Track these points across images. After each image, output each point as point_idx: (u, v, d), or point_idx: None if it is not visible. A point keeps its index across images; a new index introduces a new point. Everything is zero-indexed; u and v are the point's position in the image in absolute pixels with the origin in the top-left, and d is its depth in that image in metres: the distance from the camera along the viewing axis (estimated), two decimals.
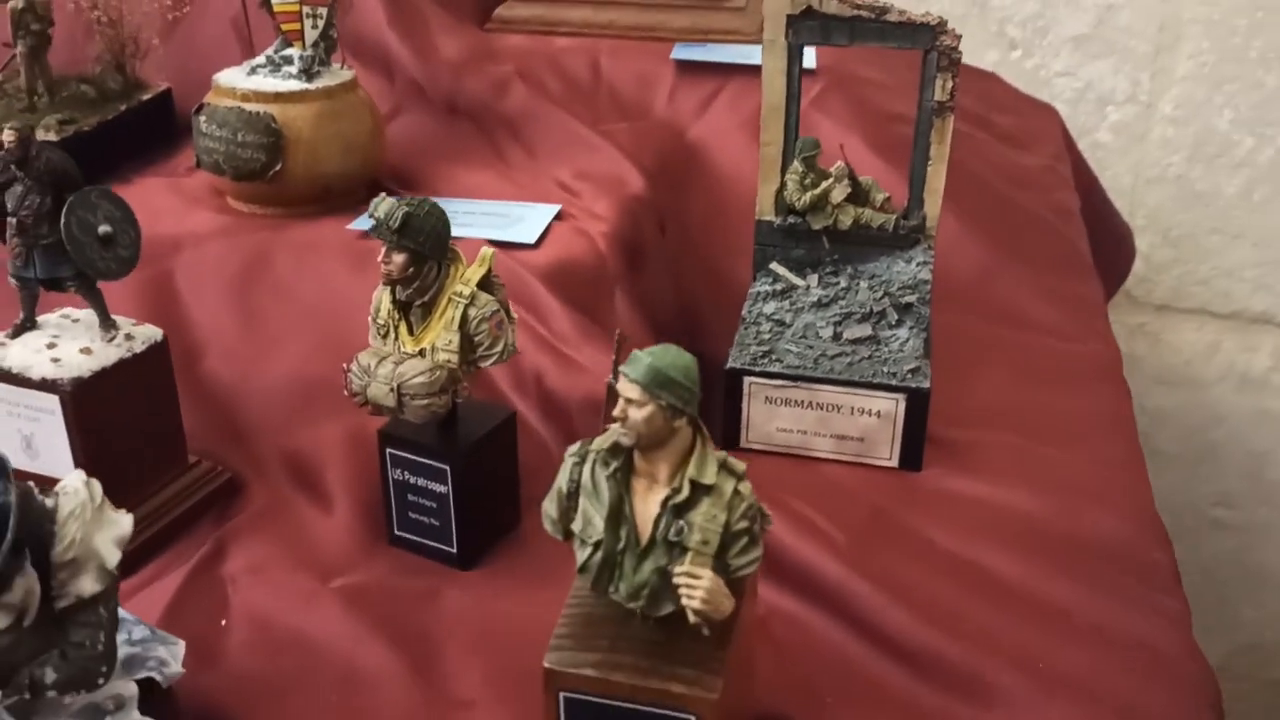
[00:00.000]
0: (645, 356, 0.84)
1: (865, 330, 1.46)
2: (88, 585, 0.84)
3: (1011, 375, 1.61)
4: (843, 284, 1.50)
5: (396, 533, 1.26)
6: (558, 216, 1.64)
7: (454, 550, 1.23)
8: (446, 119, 1.90)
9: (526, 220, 1.62)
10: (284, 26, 1.60)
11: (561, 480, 0.89)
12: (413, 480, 1.22)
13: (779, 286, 1.53)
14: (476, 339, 1.15)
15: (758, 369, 1.43)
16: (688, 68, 2.09)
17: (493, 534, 1.27)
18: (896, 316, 1.46)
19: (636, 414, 0.84)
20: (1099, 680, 1.07)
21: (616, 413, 0.85)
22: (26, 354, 1.20)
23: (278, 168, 1.59)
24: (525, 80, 1.94)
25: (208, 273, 1.56)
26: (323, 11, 1.61)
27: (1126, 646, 1.11)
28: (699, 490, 0.86)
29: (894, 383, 1.39)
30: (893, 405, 1.39)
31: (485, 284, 1.17)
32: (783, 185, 1.50)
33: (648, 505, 0.87)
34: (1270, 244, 2.81)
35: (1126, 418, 1.56)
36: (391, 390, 1.14)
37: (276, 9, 1.60)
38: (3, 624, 0.82)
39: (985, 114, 2.34)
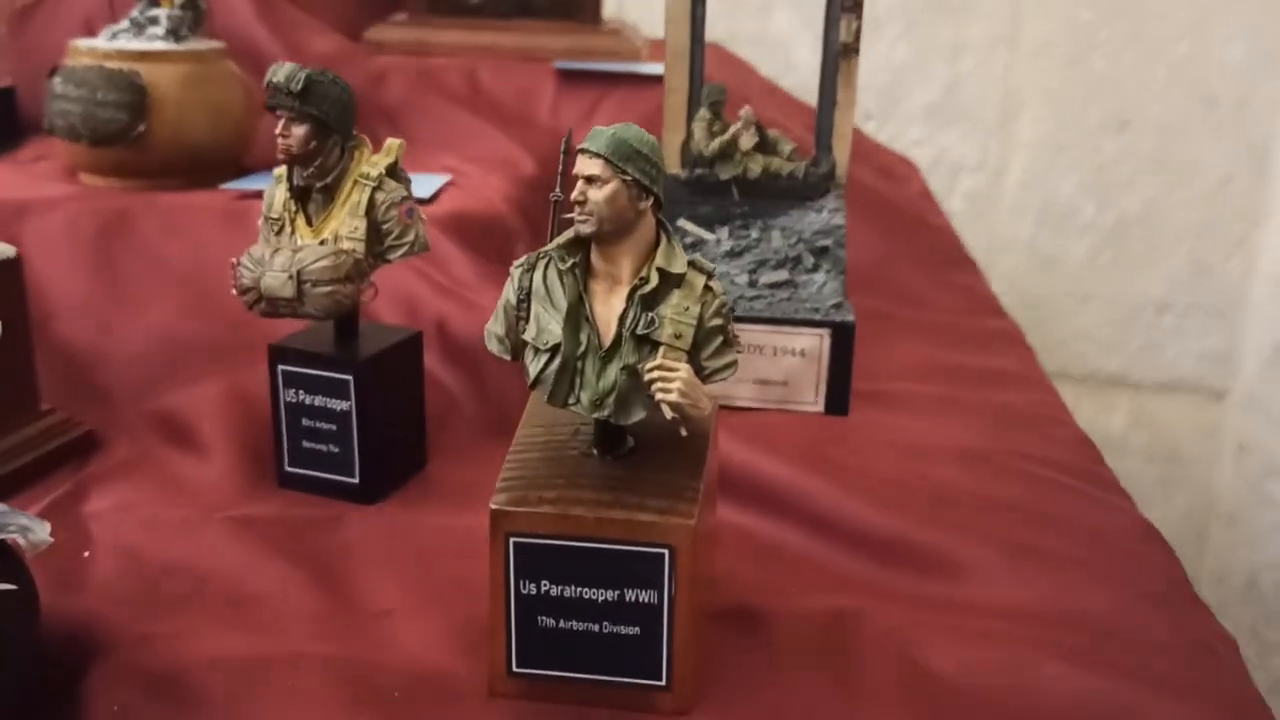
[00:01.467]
0: (606, 130, 0.76)
1: (782, 275, 1.41)
2: None
3: (926, 343, 1.58)
4: (754, 235, 1.45)
5: (287, 469, 1.11)
6: (450, 183, 1.55)
7: (355, 481, 1.09)
8: None
9: (417, 184, 1.52)
10: None
11: (509, 292, 0.79)
12: (308, 400, 1.09)
13: (688, 242, 1.46)
14: (385, 226, 1.05)
15: None
16: (569, 80, 2.05)
17: (398, 470, 1.14)
18: (813, 260, 1.41)
19: (598, 193, 0.75)
20: (1052, 547, 1.01)
21: (575, 195, 0.76)
22: None
23: (141, 128, 1.46)
24: (403, 82, 1.87)
25: (60, 238, 1.41)
26: None
27: (1066, 520, 1.08)
28: (668, 281, 0.76)
29: (817, 318, 1.32)
30: (817, 341, 1.32)
31: (392, 177, 1.07)
32: (689, 135, 1.45)
33: (609, 307, 0.77)
34: (1118, 305, 2.89)
35: (1037, 372, 1.54)
36: (290, 278, 1.01)
37: None
38: None
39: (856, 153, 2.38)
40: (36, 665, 0.79)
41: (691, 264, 0.78)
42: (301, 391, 1.09)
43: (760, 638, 0.89)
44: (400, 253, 1.06)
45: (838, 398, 1.33)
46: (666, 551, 0.77)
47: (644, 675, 0.80)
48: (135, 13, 1.52)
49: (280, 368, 1.09)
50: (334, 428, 1.09)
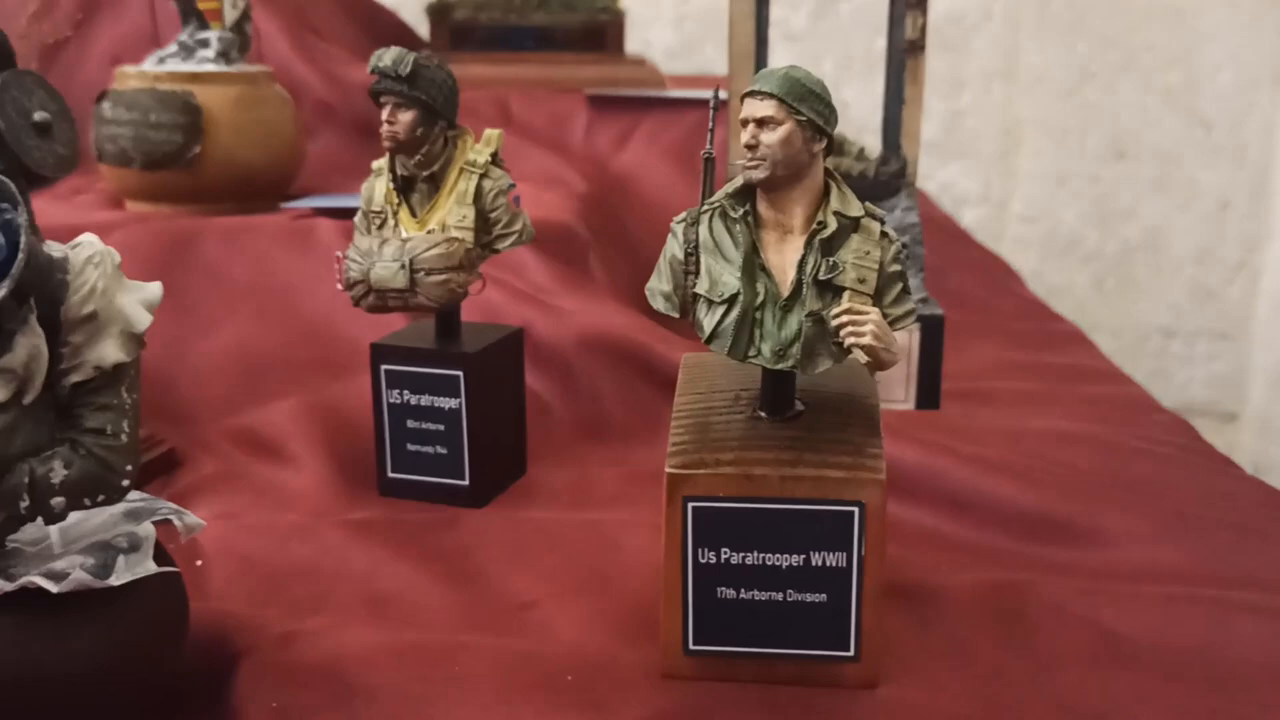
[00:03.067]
0: (776, 70, 0.73)
1: None
2: (110, 352, 0.64)
3: (996, 344, 1.57)
4: None
5: (390, 475, 1.07)
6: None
7: (465, 483, 1.05)
8: (360, 139, 1.77)
9: None
10: (201, 5, 1.47)
11: (672, 248, 0.76)
12: (414, 400, 1.04)
13: None
14: (493, 215, 1.01)
15: None
16: (600, 107, 2.04)
17: (503, 473, 1.10)
18: None
19: (771, 136, 0.72)
20: (1198, 513, 0.99)
21: (745, 139, 0.73)
22: None
23: (196, 150, 1.43)
24: None
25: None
26: None
27: (1199, 489, 1.06)
28: (846, 226, 0.73)
29: None
30: (906, 336, 1.29)
31: (494, 166, 1.04)
32: None
33: (783, 255, 0.74)
34: (1124, 332, 2.89)
35: (1113, 366, 1.53)
36: (403, 268, 0.98)
37: None
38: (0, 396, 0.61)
39: None
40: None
41: (865, 209, 0.75)
42: (406, 391, 1.04)
43: (928, 612, 0.85)
44: (509, 242, 1.02)
45: (928, 393, 1.30)
46: (856, 509, 0.73)
47: (830, 646, 0.76)
48: (184, 36, 1.50)
49: (383, 367, 1.05)
50: (441, 428, 1.04)
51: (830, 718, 0.74)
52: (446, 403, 1.04)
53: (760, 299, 0.73)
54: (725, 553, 0.75)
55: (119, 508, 0.72)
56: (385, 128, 0.99)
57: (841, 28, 3.12)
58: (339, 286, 1.01)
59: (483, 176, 1.01)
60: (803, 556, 0.74)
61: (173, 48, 1.50)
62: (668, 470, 0.74)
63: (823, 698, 0.75)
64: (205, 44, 1.48)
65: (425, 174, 1.01)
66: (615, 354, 1.23)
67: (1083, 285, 3.01)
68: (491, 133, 1.05)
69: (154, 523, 0.70)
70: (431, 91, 0.99)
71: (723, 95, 0.89)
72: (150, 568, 0.68)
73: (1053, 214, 2.98)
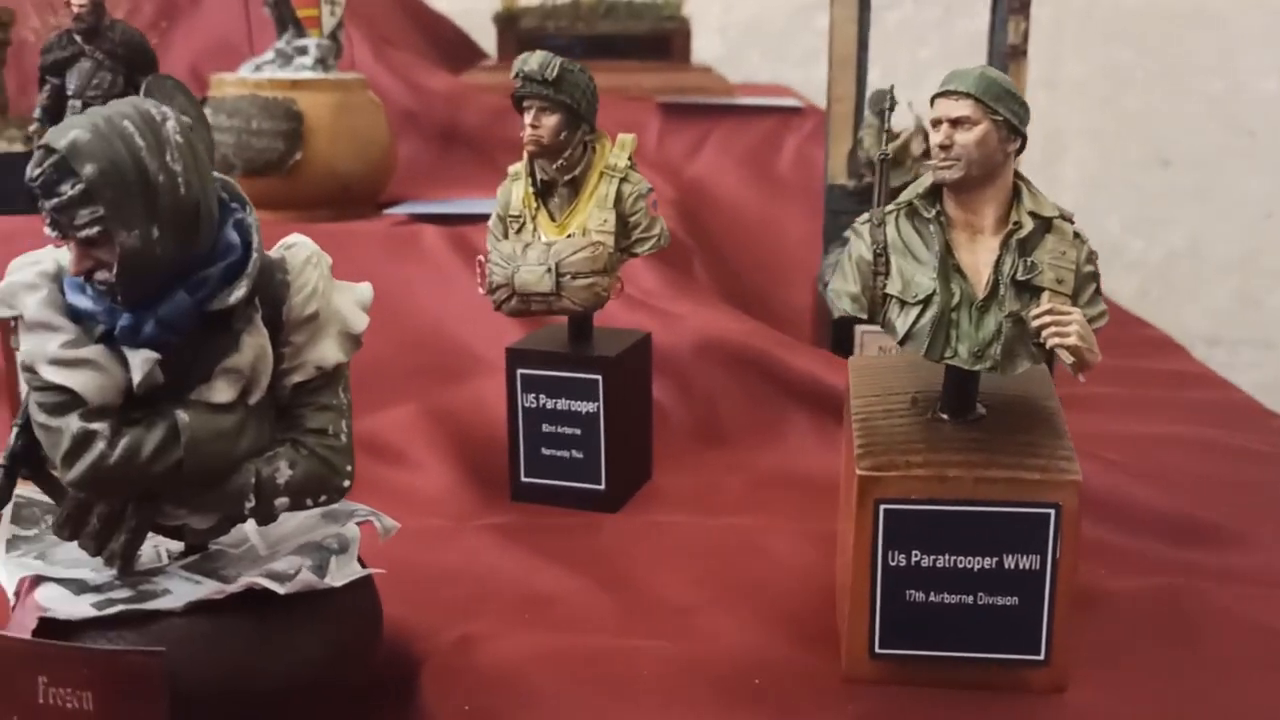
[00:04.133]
0: (970, 70, 0.73)
1: None
2: (330, 352, 0.64)
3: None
4: None
5: (524, 479, 1.06)
6: None
7: (601, 487, 1.04)
8: (440, 146, 1.78)
9: None
10: (301, 13, 1.48)
11: (858, 249, 0.75)
12: (550, 404, 1.04)
13: None
14: (633, 219, 1.01)
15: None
16: (671, 114, 2.04)
17: (632, 479, 1.09)
18: None
19: (966, 136, 0.72)
20: None
21: (939, 139, 0.73)
22: None
23: (298, 156, 1.43)
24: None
25: None
26: None
27: None
28: (1040, 226, 0.73)
29: None
30: None
31: None
32: (857, 143, 1.43)
33: (975, 256, 0.74)
34: None
35: (1210, 372, 1.53)
36: (548, 271, 0.98)
37: None
38: (226, 396, 0.61)
39: None
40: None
41: (1058, 210, 0.75)
42: (542, 395, 1.04)
43: (1095, 617, 0.85)
44: (647, 246, 1.02)
45: None
46: (1052, 511, 0.73)
47: (1020, 649, 0.75)
48: (281, 43, 1.50)
49: (519, 371, 1.04)
50: (578, 432, 1.04)
51: None
52: (584, 406, 1.03)
53: (956, 300, 0.73)
54: (916, 555, 0.74)
55: (316, 510, 0.72)
56: (529, 132, 0.99)
57: (886, 37, 3.12)
58: (480, 290, 1.01)
59: (623, 180, 1.01)
60: (995, 559, 0.74)
61: (269, 55, 1.51)
62: (859, 473, 0.74)
63: (1010, 702, 0.75)
64: (303, 51, 1.49)
65: (566, 178, 1.01)
66: (732, 359, 1.22)
67: (1126, 293, 2.99)
68: (626, 137, 1.05)
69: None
70: (575, 95, 0.99)
71: (896, 100, 0.88)
72: (358, 569, 0.68)
73: (1096, 222, 2.97)
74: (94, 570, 0.65)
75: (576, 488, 1.05)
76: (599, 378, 1.02)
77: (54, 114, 0.99)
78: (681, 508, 1.06)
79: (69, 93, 0.98)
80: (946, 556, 0.74)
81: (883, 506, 0.74)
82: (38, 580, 0.64)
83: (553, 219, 1.02)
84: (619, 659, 0.79)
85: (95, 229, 0.56)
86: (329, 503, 0.65)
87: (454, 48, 2.39)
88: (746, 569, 0.93)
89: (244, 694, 0.61)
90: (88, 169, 0.56)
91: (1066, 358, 0.70)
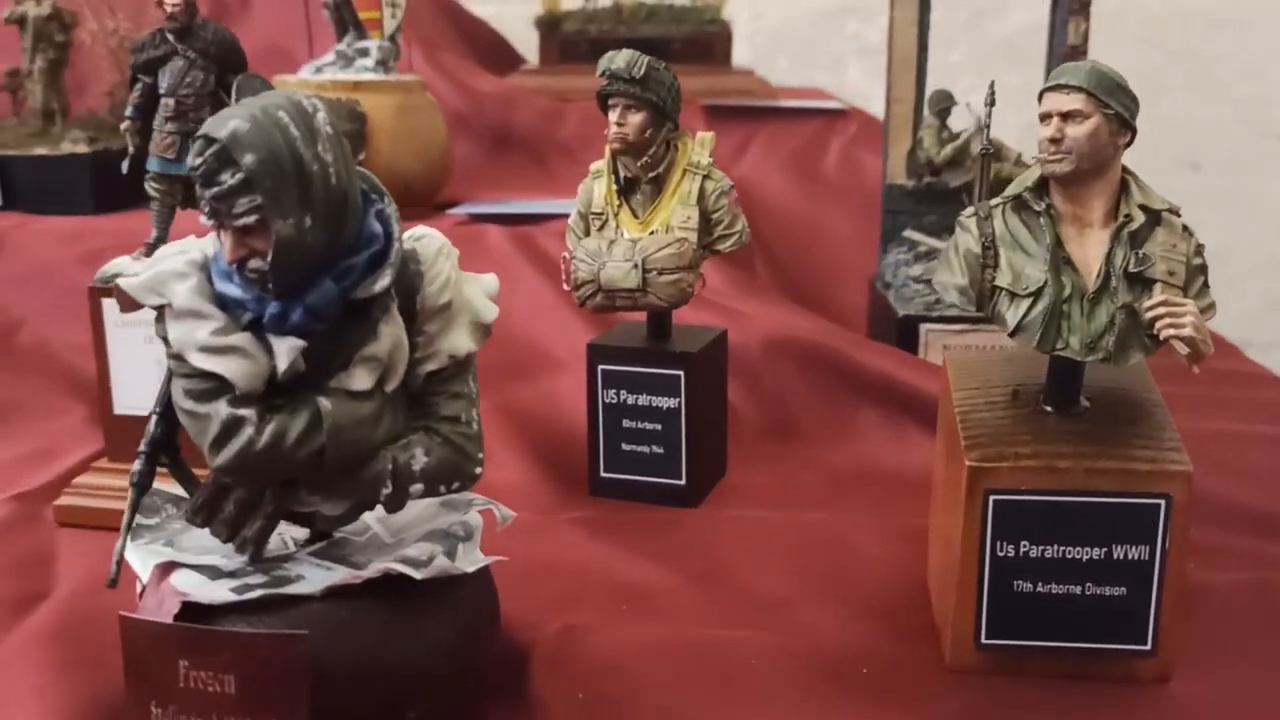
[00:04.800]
0: (1081, 64, 0.74)
1: None
2: (462, 341, 0.65)
3: None
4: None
5: (603, 474, 1.07)
6: None
7: (681, 482, 1.05)
8: (495, 147, 1.79)
9: None
10: (363, 15, 1.49)
11: (965, 242, 0.76)
12: (631, 400, 1.05)
13: (921, 250, 1.44)
14: (715, 215, 1.02)
15: (935, 314, 1.33)
16: (716, 117, 2.05)
17: (710, 475, 1.10)
18: None
19: (1078, 130, 0.72)
20: None
21: (1050, 133, 0.73)
22: None
23: (361, 157, 1.44)
24: (577, 118, 1.86)
25: None
26: (400, 1, 1.51)
27: None
28: (1151, 218, 0.74)
29: None
30: None
31: None
32: (916, 143, 1.44)
33: (1084, 249, 0.74)
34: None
35: (1265, 370, 1.53)
36: (635, 267, 0.98)
37: None
38: (365, 384, 0.62)
39: None
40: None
41: (1166, 203, 0.75)
42: (623, 391, 1.05)
43: (1196, 609, 0.85)
44: (729, 243, 1.03)
45: None
46: (1163, 502, 0.73)
47: (1126, 640, 0.76)
48: (342, 45, 1.51)
49: (600, 367, 1.05)
50: (658, 427, 1.05)
51: (1128, 714, 0.74)
52: (665, 402, 1.04)
53: (1067, 292, 0.73)
54: (1024, 546, 0.75)
55: (435, 499, 0.72)
56: (614, 129, 1.00)
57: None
58: (565, 287, 1.02)
59: (705, 178, 1.02)
60: (1104, 549, 0.74)
61: (329, 57, 1.52)
62: (968, 464, 0.74)
63: (1117, 693, 0.75)
64: (365, 53, 1.50)
65: (650, 175, 1.02)
66: (802, 357, 1.23)
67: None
68: (705, 135, 1.06)
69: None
70: (660, 93, 0.99)
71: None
72: (482, 557, 0.68)
73: None
74: (224, 557, 0.66)
75: (656, 483, 1.06)
76: (681, 373, 1.03)
77: (146, 112, 1.00)
78: (759, 504, 1.07)
79: (161, 91, 0.99)
80: (1055, 547, 0.75)
81: (992, 497, 0.74)
82: (170, 567, 0.65)
83: (635, 216, 1.02)
84: (722, 649, 0.80)
85: (253, 217, 0.57)
86: (461, 489, 0.66)
87: (493, 53, 2.40)
88: (834, 563, 0.94)
89: (379, 679, 0.62)
90: (247, 158, 0.57)
91: (1181, 349, 0.71)
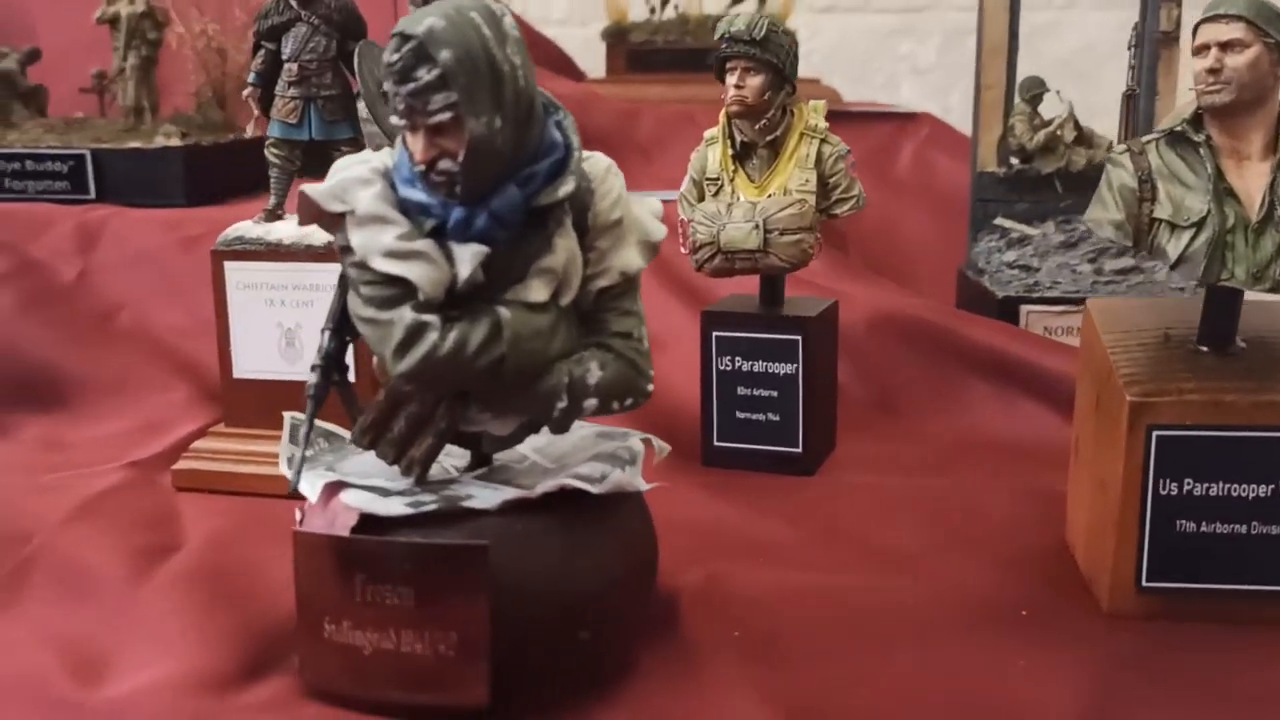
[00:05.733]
0: None
1: (1127, 261, 1.37)
2: (633, 258, 0.64)
3: None
4: (1082, 228, 1.41)
5: (716, 444, 1.06)
6: None
7: (798, 450, 1.04)
8: None
9: None
10: None
11: (1120, 177, 0.75)
12: (746, 367, 1.04)
13: (1014, 237, 1.43)
14: (832, 179, 1.02)
15: (1035, 295, 1.32)
16: None
17: (824, 443, 1.09)
18: None
19: (1238, 59, 0.72)
20: None
21: (1208, 64, 0.72)
22: (295, 227, 1.00)
23: None
24: (652, 120, 1.87)
25: None
26: None
27: None
28: None
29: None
30: None
31: None
32: (1008, 130, 1.43)
33: (1245, 180, 0.73)
34: None
35: None
36: (756, 228, 0.98)
37: None
38: (541, 295, 0.61)
39: None
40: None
41: None
42: (738, 358, 1.04)
43: None
44: (847, 206, 1.02)
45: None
46: None
47: None
48: None
49: (715, 334, 1.04)
50: (775, 394, 1.04)
51: None
52: (782, 368, 1.03)
53: (1230, 222, 0.72)
54: (1188, 484, 0.73)
55: (590, 429, 0.72)
56: (733, 92, 1.00)
57: (968, 61, 3.13)
58: (683, 250, 1.02)
59: (823, 141, 1.02)
60: (1272, 486, 0.73)
61: None
62: (1130, 400, 0.73)
63: None
64: None
65: (767, 139, 1.01)
66: (906, 332, 1.22)
67: None
68: (818, 102, 1.06)
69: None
70: (780, 55, 0.99)
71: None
72: (643, 483, 0.67)
73: None
74: (388, 480, 0.65)
75: (772, 451, 1.04)
76: (799, 338, 1.02)
77: (268, 79, 1.01)
78: (874, 471, 1.05)
79: (284, 57, 0.99)
80: (1220, 484, 0.73)
81: (1155, 433, 0.73)
82: (338, 487, 0.65)
83: (751, 180, 1.02)
84: (870, 594, 0.78)
85: (447, 114, 0.57)
86: (633, 406, 0.65)
87: (556, 67, 2.42)
88: (964, 523, 0.92)
89: (555, 595, 0.61)
90: (444, 54, 0.57)
91: None
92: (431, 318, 0.59)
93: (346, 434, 0.74)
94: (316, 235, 0.99)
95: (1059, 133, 1.41)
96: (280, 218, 1.03)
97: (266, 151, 1.02)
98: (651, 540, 0.69)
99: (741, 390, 1.05)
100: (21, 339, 1.28)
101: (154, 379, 1.24)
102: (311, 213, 0.61)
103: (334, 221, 0.62)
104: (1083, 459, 0.84)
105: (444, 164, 0.58)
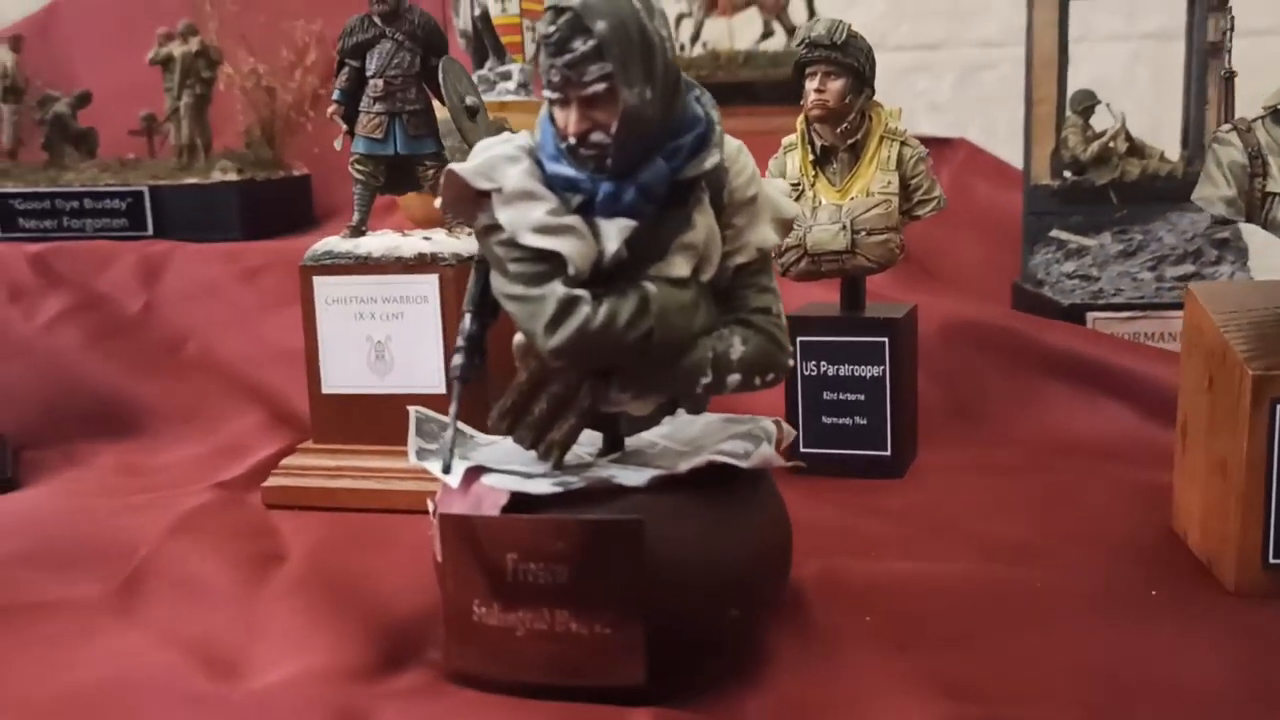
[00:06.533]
0: None
1: (1188, 268, 1.38)
2: (769, 235, 0.64)
3: None
4: (1139, 237, 1.42)
5: (803, 450, 1.06)
6: None
7: (887, 453, 1.04)
8: None
9: None
10: (505, 39, 1.52)
11: (1229, 155, 0.76)
12: (832, 371, 1.04)
13: (1071, 248, 1.44)
14: (914, 181, 1.02)
15: (1101, 302, 1.32)
16: None
17: (909, 447, 1.08)
18: (1215, 253, 1.38)
19: None
20: None
21: None
22: (384, 241, 1.01)
23: None
24: None
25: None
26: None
27: None
28: None
29: None
30: None
31: None
32: (1061, 143, 1.44)
33: None
34: None
35: None
36: (843, 229, 0.98)
37: (497, 22, 1.52)
38: (683, 271, 0.61)
39: None
40: None
41: None
42: (824, 362, 1.04)
43: None
44: (929, 207, 1.03)
45: None
46: None
47: None
48: (484, 70, 1.54)
49: (800, 339, 1.04)
50: (861, 398, 1.04)
51: None
52: (868, 371, 1.03)
53: None
54: None
55: (715, 415, 0.72)
56: (814, 97, 1.01)
57: (984, 97, 3.16)
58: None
59: (902, 144, 1.02)
60: None
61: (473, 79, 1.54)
62: (1252, 374, 0.73)
63: None
64: (507, 76, 1.52)
65: (848, 143, 1.02)
66: (981, 339, 1.22)
67: None
68: (893, 108, 1.06)
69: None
70: (860, 59, 1.00)
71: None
72: (782, 460, 0.67)
73: None
74: (523, 465, 0.65)
75: (860, 455, 1.04)
76: (885, 340, 1.02)
77: (353, 95, 1.01)
78: (964, 473, 1.05)
79: (369, 73, 1.00)
80: None
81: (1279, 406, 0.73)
82: (478, 471, 0.64)
83: (832, 184, 1.03)
84: (992, 582, 0.78)
85: (602, 85, 0.58)
86: (774, 381, 0.65)
87: None
88: (1065, 515, 0.92)
89: (705, 572, 0.60)
90: (599, 25, 0.57)
91: None
92: (583, 292, 0.59)
93: (469, 429, 0.74)
94: (406, 247, 1.00)
95: (1112, 144, 1.42)
96: (364, 234, 1.04)
97: (351, 168, 1.03)
98: (787, 520, 0.69)
99: (828, 395, 1.05)
100: (91, 371, 1.29)
101: (226, 405, 1.24)
102: (456, 192, 0.62)
103: (476, 202, 0.62)
104: (1194, 442, 0.84)
105: (596, 136, 0.59)
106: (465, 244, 1.02)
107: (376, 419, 1.00)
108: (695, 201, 0.62)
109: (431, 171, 1.03)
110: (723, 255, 0.63)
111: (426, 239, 1.01)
